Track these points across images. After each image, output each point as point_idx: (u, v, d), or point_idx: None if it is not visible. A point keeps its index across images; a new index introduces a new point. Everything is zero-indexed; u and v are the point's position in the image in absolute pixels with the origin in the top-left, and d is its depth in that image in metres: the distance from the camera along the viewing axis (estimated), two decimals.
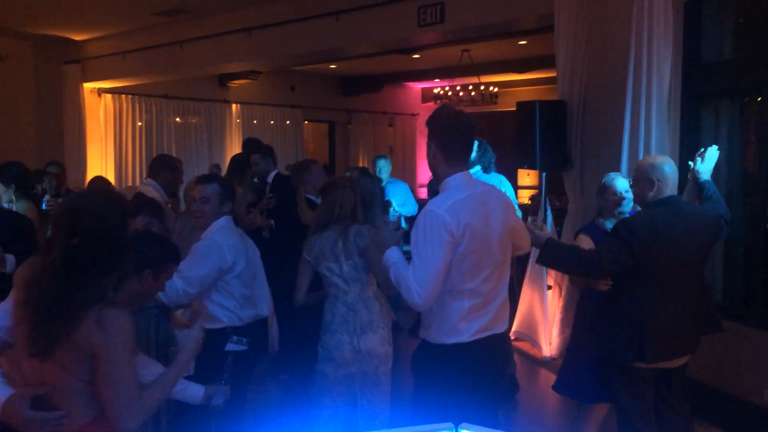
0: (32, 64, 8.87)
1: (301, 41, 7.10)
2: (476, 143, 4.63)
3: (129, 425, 1.84)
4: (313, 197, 4.61)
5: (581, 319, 3.68)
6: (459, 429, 1.45)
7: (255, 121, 11.36)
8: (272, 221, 4.98)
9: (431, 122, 2.68)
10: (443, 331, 2.62)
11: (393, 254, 2.66)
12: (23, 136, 8.82)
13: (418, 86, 13.99)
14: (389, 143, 13.62)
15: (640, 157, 4.26)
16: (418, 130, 14.30)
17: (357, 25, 6.63)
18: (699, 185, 3.35)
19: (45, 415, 1.76)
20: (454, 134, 2.64)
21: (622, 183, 3.57)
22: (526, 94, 11.89)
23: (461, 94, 10.10)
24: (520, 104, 5.43)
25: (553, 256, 3.04)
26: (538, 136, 5.10)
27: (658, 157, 3.24)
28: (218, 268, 3.15)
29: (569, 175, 5.27)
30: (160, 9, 7.23)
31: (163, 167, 4.75)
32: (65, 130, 9.02)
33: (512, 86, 11.81)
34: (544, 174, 5.43)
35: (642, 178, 3.12)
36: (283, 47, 7.31)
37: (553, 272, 5.52)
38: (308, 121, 12.54)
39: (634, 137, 4.36)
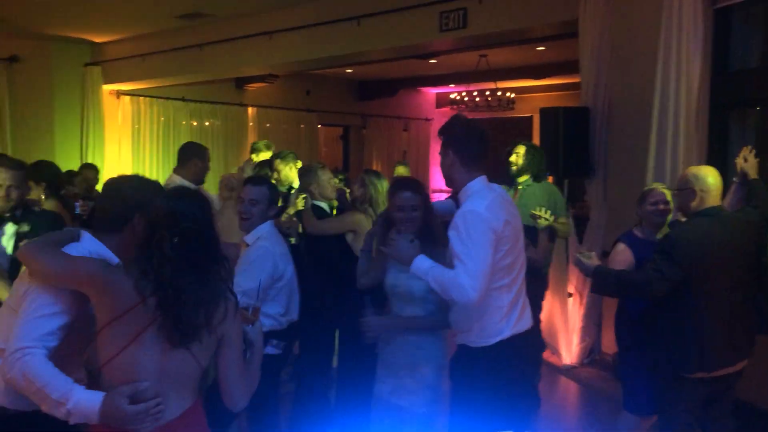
0: (52, 66, 8.93)
1: (322, 45, 7.10)
2: (524, 147, 4.61)
3: (244, 403, 2.09)
4: (322, 204, 4.46)
5: (630, 332, 3.59)
6: None
7: (268, 125, 11.39)
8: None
9: (446, 132, 2.74)
10: (487, 332, 2.68)
11: (424, 261, 2.65)
12: (43, 137, 8.87)
13: (432, 91, 13.99)
14: (403, 148, 13.63)
15: (667, 165, 4.24)
16: (432, 135, 14.29)
17: (378, 29, 6.63)
18: (749, 184, 3.31)
19: (145, 405, 1.82)
20: (470, 140, 2.70)
21: (663, 193, 3.53)
22: (543, 100, 11.87)
23: (478, 99, 10.08)
24: (543, 111, 5.42)
25: (605, 284, 3.09)
26: (561, 144, 5.09)
27: (702, 168, 3.22)
28: (271, 276, 3.17)
29: (591, 183, 5.24)
30: (181, 12, 7.26)
31: (192, 155, 4.80)
32: (84, 132, 9.07)
33: (528, 92, 11.79)
34: (566, 182, 5.41)
35: (685, 188, 3.11)
36: (303, 51, 7.32)
37: (573, 280, 5.49)
38: (323, 125, 12.55)
39: (660, 145, 4.33)
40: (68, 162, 8.69)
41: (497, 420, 2.60)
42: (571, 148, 5.10)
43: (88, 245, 2.06)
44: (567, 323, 5.50)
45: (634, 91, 4.79)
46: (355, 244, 4.11)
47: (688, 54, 4.19)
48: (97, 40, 8.83)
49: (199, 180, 4.85)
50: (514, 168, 4.58)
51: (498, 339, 2.67)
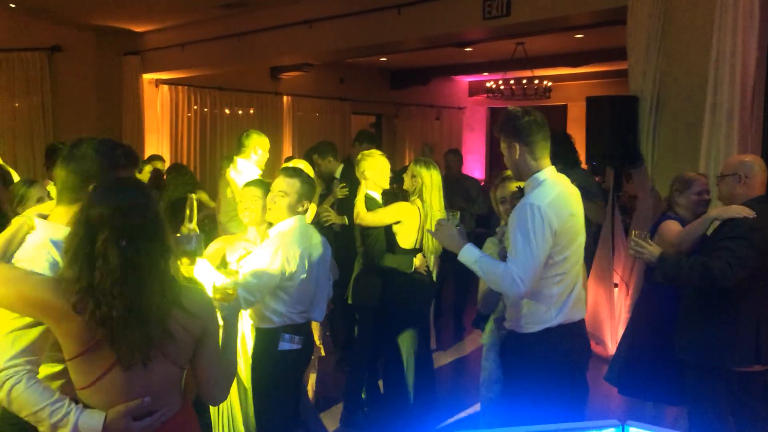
0: (93, 55, 9.05)
1: (362, 34, 7.11)
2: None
3: (223, 397, 1.99)
4: (374, 194, 4.32)
5: (647, 317, 3.62)
6: (626, 427, 1.44)
7: (300, 113, 11.45)
8: (345, 218, 4.96)
9: (508, 125, 2.70)
10: (534, 319, 2.69)
11: (473, 251, 2.69)
12: (85, 125, 9.00)
13: (465, 80, 13.92)
14: (435, 137, 13.60)
15: (721, 153, 4.19)
16: (464, 123, 14.25)
17: (420, 18, 6.61)
18: None
19: (150, 420, 1.77)
20: (535, 129, 2.66)
21: (706, 182, 3.51)
22: (577, 88, 11.77)
23: (514, 87, 10.02)
24: (590, 99, 5.37)
25: (674, 271, 2.99)
26: (608, 132, 5.05)
27: (748, 155, 3.20)
28: (281, 275, 2.98)
29: (639, 171, 5.20)
30: (223, 1, 7.30)
31: (256, 144, 5.07)
32: (124, 120, 9.20)
33: (563, 80, 11.68)
34: (613, 171, 5.37)
35: (729, 174, 3.08)
36: (342, 40, 7.33)
37: (619, 269, 5.46)
38: (355, 113, 12.58)
39: (714, 132, 4.28)
40: None
41: (546, 406, 2.60)
42: (617, 137, 5.06)
43: (43, 232, 1.88)
44: (612, 313, 5.47)
45: (686, 78, 4.73)
46: (399, 234, 4.14)
47: (744, 41, 4.13)
48: (138, 29, 8.92)
49: (260, 167, 5.05)
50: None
51: (545, 326, 2.67)
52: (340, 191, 5.11)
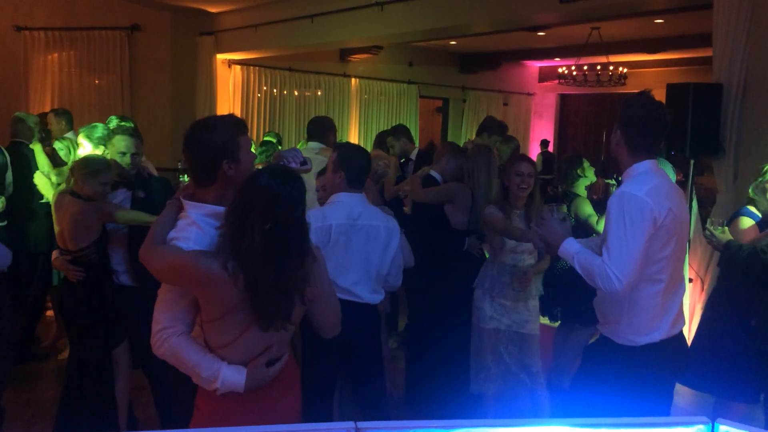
0: (170, 35, 9.28)
1: (433, 17, 7.03)
2: None
3: (337, 330, 2.27)
4: (437, 175, 4.37)
5: (728, 312, 3.48)
6: (716, 425, 1.39)
7: (367, 96, 11.47)
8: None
9: (623, 110, 2.53)
10: (636, 329, 2.48)
11: (572, 245, 2.53)
12: (160, 103, 9.28)
13: (536, 65, 13.65)
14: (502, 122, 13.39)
15: None
16: (533, 110, 13.99)
17: (491, 1, 6.49)
18: None
19: (279, 365, 2.06)
20: (644, 123, 2.48)
21: None
22: (655, 75, 11.36)
23: (587, 73, 9.75)
24: (671, 86, 5.16)
25: (734, 258, 2.88)
26: (689, 121, 4.85)
27: None
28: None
29: (720, 162, 4.98)
30: None
31: (329, 130, 5.04)
32: (197, 99, 9.40)
33: (640, 67, 11.30)
34: (692, 161, 5.16)
35: None
36: (413, 23, 7.27)
37: (695, 265, 5.26)
38: (423, 97, 12.52)
39: None
40: (181, 130, 9.06)
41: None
42: (699, 126, 4.85)
43: (193, 214, 2.04)
44: (687, 309, 5.29)
45: None
46: (452, 215, 4.13)
47: None
48: (213, 10, 9.09)
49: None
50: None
51: (647, 341, 2.47)
52: (423, 170, 5.12)
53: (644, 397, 2.44)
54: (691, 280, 5.33)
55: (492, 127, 5.59)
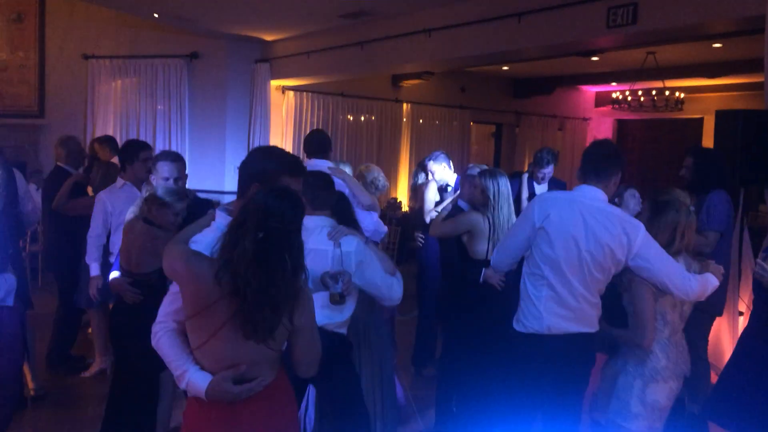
0: (227, 62, 9.60)
1: (481, 43, 7.04)
2: (691, 159, 4.49)
3: (313, 372, 2.21)
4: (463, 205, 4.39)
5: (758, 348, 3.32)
6: None
7: (421, 121, 11.51)
8: None
9: None
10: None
11: None
12: (215, 128, 9.59)
13: (592, 89, 13.44)
14: (557, 148, 13.21)
15: None
16: (588, 135, 13.75)
17: (540, 26, 6.46)
18: None
19: (249, 385, 2.03)
20: None
21: None
22: (715, 101, 11.02)
23: (643, 99, 9.54)
24: (719, 113, 5.01)
25: None
26: (739, 149, 4.68)
27: None
28: None
29: None
30: (345, 12, 7.51)
31: (328, 145, 4.91)
32: (252, 125, 9.66)
33: (699, 92, 10.98)
34: (742, 190, 4.97)
35: None
36: (461, 49, 7.30)
37: (746, 297, 5.04)
38: (474, 122, 12.48)
39: None
40: (236, 153, 9.35)
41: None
42: (750, 154, 4.68)
43: (219, 223, 2.19)
44: (735, 343, 5.06)
45: None
46: (470, 245, 4.09)
47: None
48: (267, 38, 9.36)
49: None
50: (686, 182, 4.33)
51: (531, 331, 2.98)
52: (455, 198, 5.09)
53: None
54: (741, 313, 5.11)
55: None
